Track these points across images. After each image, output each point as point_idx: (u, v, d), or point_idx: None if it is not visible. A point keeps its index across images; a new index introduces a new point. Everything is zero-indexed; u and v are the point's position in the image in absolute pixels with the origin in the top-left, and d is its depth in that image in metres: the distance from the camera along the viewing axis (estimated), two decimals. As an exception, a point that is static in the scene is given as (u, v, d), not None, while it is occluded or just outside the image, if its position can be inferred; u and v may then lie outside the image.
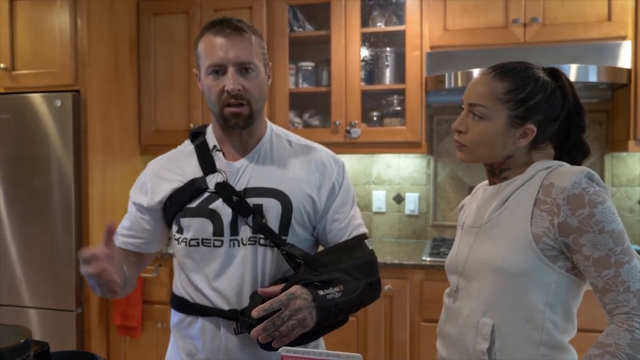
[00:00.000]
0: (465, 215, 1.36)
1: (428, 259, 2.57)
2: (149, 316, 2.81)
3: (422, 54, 2.75)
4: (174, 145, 1.50)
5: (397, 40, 2.89)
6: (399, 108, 2.92)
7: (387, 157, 3.17)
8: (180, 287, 1.39)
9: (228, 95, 1.30)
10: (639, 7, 2.53)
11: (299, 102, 3.07)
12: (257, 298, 1.23)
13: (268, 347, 1.21)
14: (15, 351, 0.80)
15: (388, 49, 2.91)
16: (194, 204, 1.34)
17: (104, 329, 2.86)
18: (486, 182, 1.37)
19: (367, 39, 2.97)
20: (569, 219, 1.12)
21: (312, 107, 3.08)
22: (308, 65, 3.06)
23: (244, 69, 1.31)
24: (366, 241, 1.39)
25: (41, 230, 2.71)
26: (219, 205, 1.32)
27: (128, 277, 1.35)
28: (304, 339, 1.23)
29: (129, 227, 1.43)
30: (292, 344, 1.19)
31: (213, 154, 1.39)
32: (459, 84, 2.57)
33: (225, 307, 1.31)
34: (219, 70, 1.31)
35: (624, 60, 2.51)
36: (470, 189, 3.02)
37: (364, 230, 1.41)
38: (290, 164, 1.39)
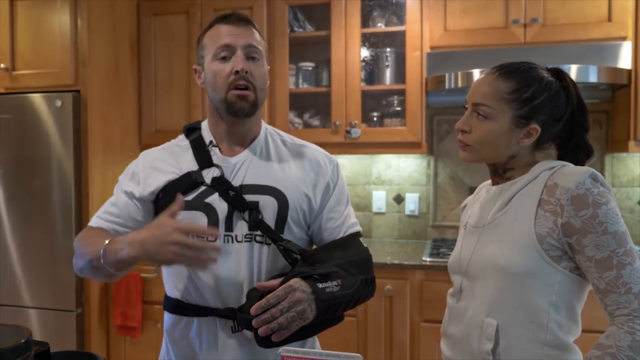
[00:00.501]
0: (468, 215, 1.36)
1: (428, 259, 2.57)
2: (149, 316, 2.81)
3: (423, 55, 2.75)
4: (175, 146, 1.49)
5: (397, 40, 2.89)
6: (399, 108, 2.92)
7: (387, 157, 3.17)
8: (173, 288, 1.37)
9: (236, 76, 1.30)
10: (639, 7, 2.53)
11: (299, 103, 3.07)
12: (254, 294, 1.22)
13: (266, 344, 1.20)
14: (16, 351, 0.80)
15: (388, 49, 2.91)
16: (189, 197, 1.32)
17: (104, 329, 2.86)
18: (489, 182, 1.37)
19: (368, 40, 2.97)
20: (573, 219, 1.12)
21: (313, 107, 3.08)
22: (308, 65, 3.06)
23: (251, 55, 1.32)
24: (361, 239, 1.39)
25: (41, 230, 2.71)
26: (215, 199, 1.31)
27: None
28: (302, 334, 1.22)
29: (118, 214, 1.37)
30: (291, 338, 1.18)
31: (209, 149, 1.38)
32: (459, 85, 2.57)
33: (221, 306, 1.30)
34: (227, 55, 1.31)
35: (624, 60, 2.51)
36: (471, 189, 3.03)
37: (358, 228, 1.41)
38: (286, 163, 1.39)
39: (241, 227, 1.31)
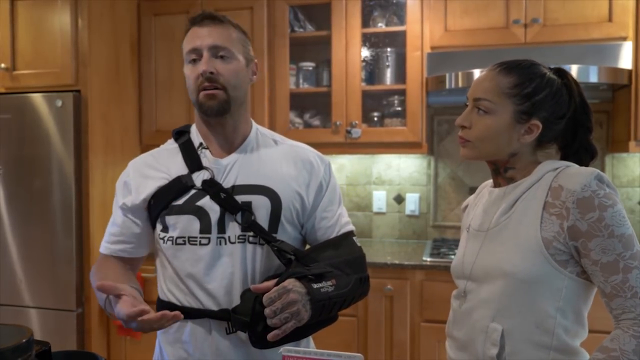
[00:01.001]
0: (471, 218, 1.34)
1: (428, 259, 2.57)
2: (150, 316, 2.81)
3: (423, 55, 2.75)
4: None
5: (397, 40, 2.89)
6: (399, 108, 2.92)
7: (387, 157, 3.17)
8: (166, 290, 1.36)
9: (202, 78, 1.30)
10: (639, 7, 2.53)
11: (300, 103, 3.07)
12: (248, 296, 1.22)
13: (261, 345, 1.20)
14: (17, 351, 0.80)
15: (389, 49, 2.92)
16: (180, 201, 1.32)
17: (104, 329, 2.86)
18: (490, 182, 1.35)
19: (368, 40, 2.97)
20: (579, 222, 1.10)
21: (313, 107, 3.08)
22: (309, 65, 3.06)
23: (219, 54, 1.31)
24: (354, 238, 1.39)
25: (42, 230, 2.71)
26: (206, 202, 1.31)
27: (138, 289, 1.33)
28: (297, 335, 1.21)
29: (119, 233, 1.41)
30: (285, 339, 1.18)
31: (199, 152, 1.37)
32: (460, 85, 2.57)
33: (215, 308, 1.29)
34: (196, 58, 1.32)
35: (625, 61, 2.51)
36: (471, 189, 3.03)
37: (351, 227, 1.41)
38: (278, 162, 1.38)
39: (234, 229, 1.30)
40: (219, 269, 1.29)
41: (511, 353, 1.16)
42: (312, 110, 3.08)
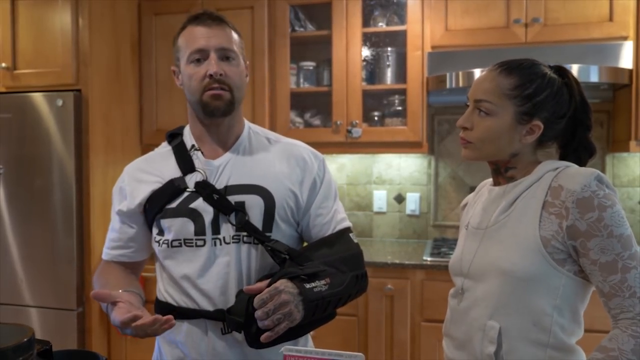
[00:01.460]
0: (470, 216, 1.34)
1: (429, 259, 2.57)
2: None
3: (424, 54, 2.75)
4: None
5: (398, 40, 2.89)
6: (400, 108, 2.92)
7: (388, 157, 3.17)
8: (163, 291, 1.37)
9: (210, 80, 1.29)
10: (640, 7, 2.53)
11: (300, 102, 3.07)
12: (243, 296, 1.22)
13: (256, 345, 1.20)
14: (19, 350, 0.80)
15: (389, 48, 2.91)
16: (174, 204, 1.32)
17: (104, 328, 2.86)
18: (490, 180, 1.36)
19: (369, 39, 2.97)
20: (578, 222, 1.11)
21: (314, 106, 3.08)
22: (309, 65, 3.06)
23: (225, 56, 1.32)
24: (351, 234, 1.38)
25: (42, 229, 2.71)
26: (199, 204, 1.31)
27: (140, 293, 1.34)
28: (293, 334, 1.22)
29: (118, 239, 1.43)
30: (281, 339, 1.18)
31: (191, 154, 1.37)
32: (460, 84, 2.57)
33: (211, 308, 1.30)
34: (200, 58, 1.31)
35: (626, 60, 2.51)
36: (471, 188, 3.03)
37: (347, 224, 1.40)
38: (271, 160, 1.38)
39: (228, 229, 1.31)
40: (215, 269, 1.30)
41: (508, 351, 1.16)
42: (312, 109, 3.08)
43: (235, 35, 1.36)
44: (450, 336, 1.31)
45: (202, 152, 1.37)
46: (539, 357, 1.15)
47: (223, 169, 1.35)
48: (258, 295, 1.14)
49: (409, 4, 2.78)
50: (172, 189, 1.33)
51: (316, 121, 3.04)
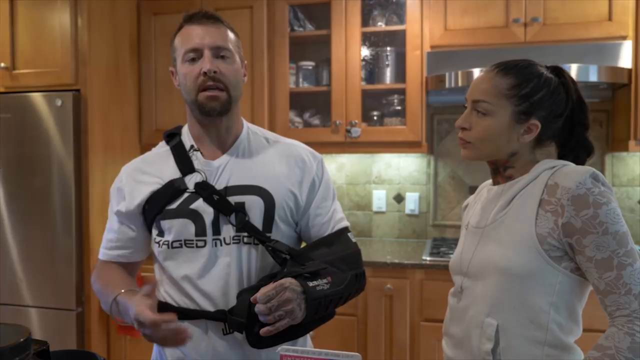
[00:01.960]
0: (470, 216, 1.36)
1: (428, 258, 2.57)
2: (149, 315, 2.81)
3: (423, 54, 2.75)
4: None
5: (397, 39, 2.89)
6: (399, 108, 2.92)
7: (387, 156, 3.17)
8: (163, 292, 1.37)
9: (205, 78, 1.29)
10: (639, 7, 2.52)
11: (300, 102, 3.07)
12: (244, 297, 1.22)
13: (257, 345, 1.20)
14: (15, 350, 0.80)
15: (388, 48, 2.91)
16: (174, 205, 1.32)
17: (104, 328, 2.86)
18: (490, 182, 1.37)
19: (368, 39, 2.97)
20: (573, 219, 1.12)
21: (313, 106, 3.08)
22: (308, 64, 3.05)
23: (220, 54, 1.32)
24: (349, 234, 1.39)
25: (42, 229, 2.71)
26: (200, 205, 1.31)
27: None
28: (293, 334, 1.22)
29: (116, 239, 1.42)
30: (282, 338, 1.18)
31: (190, 154, 1.37)
32: (460, 84, 2.57)
33: (212, 309, 1.30)
34: (195, 56, 1.31)
35: (625, 60, 2.51)
36: (471, 188, 3.03)
37: (346, 223, 1.41)
38: (270, 161, 1.38)
39: (228, 230, 1.31)
40: (215, 270, 1.30)
41: (505, 348, 1.17)
42: (311, 109, 3.08)
43: (231, 34, 1.36)
44: (449, 335, 1.31)
45: (201, 153, 1.37)
46: (536, 355, 1.16)
47: (223, 170, 1.34)
48: (265, 291, 1.14)
49: (408, 3, 2.78)
50: (172, 190, 1.33)
51: (315, 121, 3.04)
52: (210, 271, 1.30)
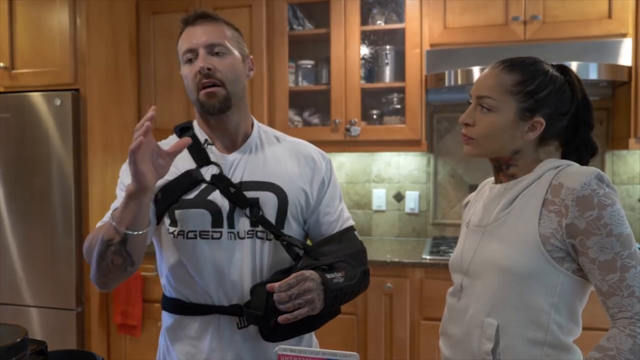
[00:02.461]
0: (471, 214, 1.35)
1: (428, 257, 2.56)
2: (149, 315, 2.81)
3: (422, 52, 2.75)
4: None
5: (396, 38, 2.89)
6: (398, 106, 2.92)
7: (387, 155, 3.16)
8: (173, 288, 1.36)
9: (200, 76, 1.30)
10: (639, 4, 2.52)
11: (299, 101, 3.06)
12: (261, 290, 1.23)
13: (271, 338, 1.22)
14: (11, 350, 0.80)
15: (388, 47, 2.91)
16: (191, 195, 1.32)
17: (104, 328, 2.86)
18: (492, 179, 1.36)
19: (367, 37, 2.97)
20: (577, 220, 1.11)
21: (312, 105, 3.08)
22: (308, 63, 3.05)
23: (214, 51, 1.32)
24: (355, 232, 1.43)
25: (41, 229, 2.71)
26: (216, 196, 1.31)
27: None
28: (306, 326, 1.24)
29: None
30: (293, 331, 1.21)
31: (205, 147, 1.38)
32: (459, 82, 2.56)
33: (226, 303, 1.30)
34: (192, 57, 1.33)
35: (625, 57, 2.50)
36: (471, 187, 3.03)
37: (352, 222, 1.45)
38: (282, 158, 1.40)
39: (243, 224, 1.31)
40: (229, 264, 1.30)
41: (505, 348, 1.16)
42: (311, 108, 3.08)
43: (227, 31, 1.37)
44: (447, 335, 1.31)
45: (215, 147, 1.38)
46: (536, 355, 1.15)
47: (237, 164, 1.36)
48: (285, 279, 1.16)
49: (407, 2, 2.77)
50: (188, 180, 1.32)
51: (315, 120, 3.04)
52: (224, 265, 1.30)
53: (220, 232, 1.31)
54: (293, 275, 1.17)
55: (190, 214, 1.31)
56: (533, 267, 1.14)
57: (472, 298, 1.23)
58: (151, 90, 3.08)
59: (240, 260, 1.30)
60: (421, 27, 2.75)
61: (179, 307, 1.35)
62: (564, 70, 1.26)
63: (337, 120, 2.85)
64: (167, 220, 1.35)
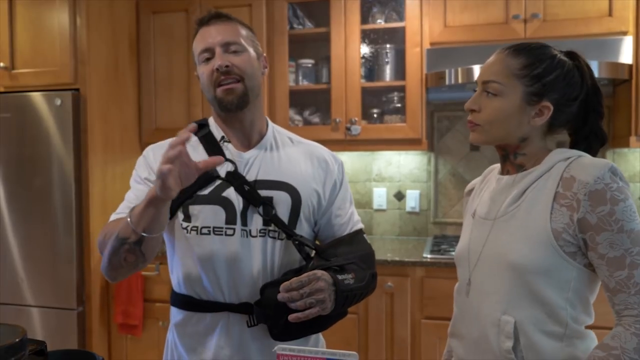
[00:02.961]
0: (476, 204, 1.31)
1: (429, 256, 2.56)
2: (150, 314, 2.82)
3: (422, 51, 2.74)
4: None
5: (397, 36, 2.89)
6: (399, 105, 2.91)
7: (387, 154, 3.16)
8: (183, 285, 1.36)
9: (218, 73, 1.32)
10: (639, 2, 2.51)
11: (299, 100, 3.06)
12: (270, 290, 1.24)
13: (280, 337, 1.23)
14: (10, 350, 0.80)
15: (388, 45, 2.91)
16: (206, 191, 1.33)
17: (105, 328, 2.86)
18: (497, 166, 1.32)
19: (367, 36, 2.96)
20: (589, 215, 1.08)
21: (312, 104, 3.08)
22: (308, 62, 3.05)
23: (230, 49, 1.34)
24: (364, 235, 1.44)
25: (42, 229, 2.71)
26: (231, 193, 1.32)
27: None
28: (315, 327, 1.25)
29: (136, 200, 1.30)
30: (302, 331, 1.21)
31: (222, 144, 1.39)
32: (459, 81, 2.56)
33: (236, 301, 1.31)
34: (209, 56, 1.34)
35: (625, 55, 2.49)
36: (471, 185, 3.02)
37: (361, 225, 1.46)
38: (296, 159, 1.42)
39: (256, 222, 1.32)
40: (241, 262, 1.31)
41: (526, 345, 1.13)
42: (311, 107, 3.08)
43: (242, 30, 1.39)
44: (461, 336, 1.27)
45: (231, 144, 1.39)
46: (556, 347, 1.13)
47: (252, 163, 1.37)
48: (297, 277, 1.17)
49: (407, 0, 2.77)
50: (204, 176, 1.31)
51: (315, 119, 3.04)
52: (236, 263, 1.30)
53: (234, 229, 1.31)
54: (305, 274, 1.18)
55: (203, 209, 1.32)
56: (547, 263, 1.12)
57: (483, 295, 1.21)
58: (151, 90, 3.08)
59: (251, 259, 1.31)
60: (421, 25, 2.75)
61: (189, 303, 1.35)
62: (573, 55, 1.22)
63: (337, 119, 2.85)
64: (180, 215, 1.35)
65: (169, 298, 1.43)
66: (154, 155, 1.41)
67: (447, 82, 2.60)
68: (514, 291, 1.15)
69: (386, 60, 2.90)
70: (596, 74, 2.43)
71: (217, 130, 1.41)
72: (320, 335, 1.46)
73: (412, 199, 3.13)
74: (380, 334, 2.57)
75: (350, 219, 1.43)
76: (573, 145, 1.24)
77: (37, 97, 2.70)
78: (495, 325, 1.17)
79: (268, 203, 1.32)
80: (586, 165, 1.12)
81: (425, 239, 3.08)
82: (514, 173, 1.24)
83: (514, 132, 1.19)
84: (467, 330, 1.25)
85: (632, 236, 1.07)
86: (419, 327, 2.53)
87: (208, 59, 1.34)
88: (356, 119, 2.83)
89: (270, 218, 1.31)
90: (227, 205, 1.32)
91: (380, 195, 3.17)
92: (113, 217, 1.37)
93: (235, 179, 1.33)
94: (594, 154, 1.22)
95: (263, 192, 1.33)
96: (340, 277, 1.22)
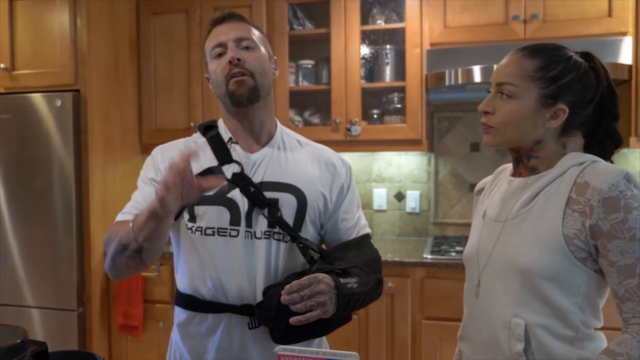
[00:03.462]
0: (487, 205, 1.30)
1: (429, 256, 2.56)
2: (151, 315, 2.82)
3: (422, 51, 2.74)
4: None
5: (397, 37, 2.89)
6: (399, 105, 2.91)
7: (387, 154, 3.16)
8: (187, 285, 1.36)
9: (230, 66, 1.33)
10: (639, 2, 2.51)
11: (299, 100, 3.06)
12: (273, 291, 1.23)
13: (281, 341, 1.22)
14: (11, 351, 0.80)
15: (388, 46, 2.91)
16: (211, 192, 1.31)
17: (105, 329, 2.86)
18: (508, 166, 1.31)
19: (367, 37, 2.97)
20: (601, 222, 1.07)
21: (313, 105, 3.08)
22: (308, 63, 3.05)
23: (243, 45, 1.35)
24: (371, 240, 1.44)
25: (42, 229, 2.71)
26: (236, 194, 1.32)
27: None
28: (317, 330, 1.25)
29: (144, 201, 1.32)
30: (304, 335, 1.21)
31: (229, 146, 1.39)
32: (460, 81, 2.56)
33: (238, 303, 1.31)
34: (221, 51, 1.35)
35: (625, 56, 2.50)
36: (472, 186, 3.02)
37: (369, 230, 1.46)
38: (303, 161, 1.42)
39: (261, 224, 1.32)
40: (244, 263, 1.31)
41: (538, 347, 1.13)
42: (311, 108, 3.08)
43: (254, 30, 1.41)
44: (471, 339, 1.27)
45: (239, 146, 1.39)
46: (566, 349, 1.12)
47: (259, 164, 1.37)
48: (298, 280, 1.16)
49: (407, 1, 2.77)
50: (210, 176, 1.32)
51: (315, 119, 3.04)
52: (239, 264, 1.30)
53: (238, 231, 1.31)
54: (306, 277, 1.18)
55: (208, 210, 1.32)
56: (557, 268, 1.10)
57: (493, 297, 1.20)
58: (151, 90, 3.08)
59: (254, 260, 1.31)
60: (421, 26, 2.75)
61: (192, 303, 1.35)
62: (589, 57, 1.21)
63: (337, 120, 2.85)
64: (186, 216, 1.36)
65: (170, 299, 1.44)
66: (162, 156, 1.41)
67: (447, 83, 2.60)
68: (524, 294, 1.14)
69: (386, 61, 2.90)
70: (596, 75, 2.44)
71: (225, 132, 1.42)
72: (324, 339, 1.45)
73: (412, 200, 3.13)
74: (380, 334, 2.57)
75: (357, 224, 1.43)
76: (587, 147, 1.22)
77: (38, 98, 2.70)
78: (506, 328, 1.16)
79: (273, 205, 1.32)
80: (601, 172, 1.10)
81: (426, 239, 3.08)
82: (526, 176, 1.23)
83: (528, 134, 1.18)
84: (477, 332, 1.24)
85: None
86: (419, 328, 2.53)
87: (220, 55, 1.35)
88: (356, 119, 2.83)
89: (275, 220, 1.31)
90: (232, 206, 1.32)
91: (380, 196, 3.18)
92: (119, 216, 1.38)
93: (241, 180, 1.33)
94: (608, 156, 1.21)
95: (269, 194, 1.33)
96: (342, 280, 1.22)
